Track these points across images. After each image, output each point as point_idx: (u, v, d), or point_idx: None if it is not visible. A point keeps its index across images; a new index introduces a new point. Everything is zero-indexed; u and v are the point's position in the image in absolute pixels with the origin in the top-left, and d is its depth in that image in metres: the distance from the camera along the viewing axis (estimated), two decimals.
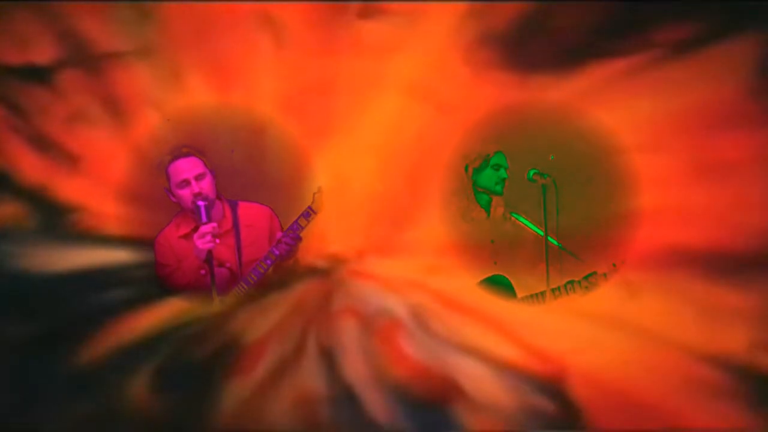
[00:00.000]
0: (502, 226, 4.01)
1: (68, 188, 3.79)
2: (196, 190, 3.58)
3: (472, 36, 3.85)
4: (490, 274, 3.87)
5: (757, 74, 3.68)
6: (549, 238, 3.77)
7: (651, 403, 3.44)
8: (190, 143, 3.73)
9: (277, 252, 3.60)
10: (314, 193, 3.65)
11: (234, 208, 3.75)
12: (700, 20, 3.69)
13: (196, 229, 3.61)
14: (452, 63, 3.88)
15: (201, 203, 3.52)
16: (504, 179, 3.96)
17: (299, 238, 3.61)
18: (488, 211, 4.01)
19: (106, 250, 3.74)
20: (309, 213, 3.60)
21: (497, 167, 3.95)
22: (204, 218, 3.52)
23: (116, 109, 3.86)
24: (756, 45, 3.67)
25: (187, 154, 3.64)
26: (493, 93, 3.90)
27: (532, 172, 3.83)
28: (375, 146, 3.86)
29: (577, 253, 3.85)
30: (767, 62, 3.67)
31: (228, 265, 3.63)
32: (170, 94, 3.89)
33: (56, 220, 3.75)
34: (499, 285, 3.86)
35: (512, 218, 4.01)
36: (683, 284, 3.60)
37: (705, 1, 3.70)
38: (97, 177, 3.84)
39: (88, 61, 3.79)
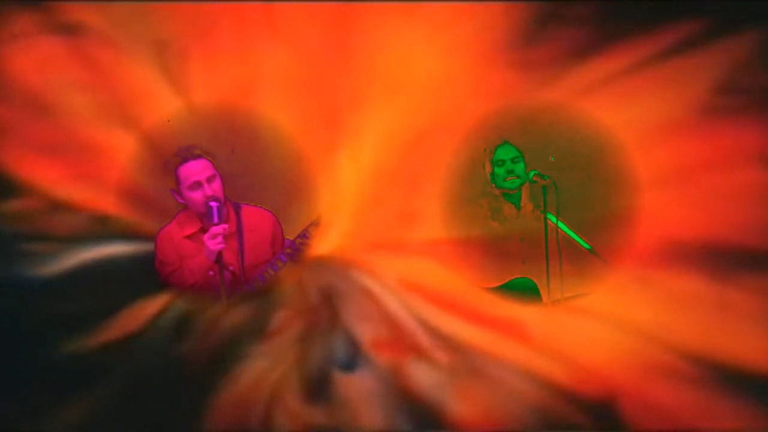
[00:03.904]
0: (532, 224, 3.90)
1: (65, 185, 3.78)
2: (209, 192, 3.55)
3: (472, 36, 3.85)
4: (515, 276, 3.82)
5: (756, 71, 3.71)
6: (581, 241, 3.77)
7: (651, 402, 3.48)
8: (193, 144, 3.70)
9: (284, 259, 3.60)
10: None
11: (237, 211, 3.71)
12: (699, 18, 3.73)
13: (202, 229, 3.59)
14: (452, 63, 3.88)
15: (213, 204, 3.50)
16: (510, 171, 3.89)
17: (308, 246, 3.61)
18: (518, 207, 3.95)
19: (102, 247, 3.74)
20: (318, 222, 3.60)
21: (501, 163, 3.92)
22: (216, 219, 3.50)
23: (117, 109, 3.85)
24: (756, 42, 3.71)
25: (197, 156, 3.61)
26: (493, 93, 3.91)
27: (532, 174, 3.84)
28: (376, 146, 3.86)
29: (578, 252, 3.86)
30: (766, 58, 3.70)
31: (231, 268, 3.61)
32: (171, 94, 3.88)
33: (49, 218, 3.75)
34: (524, 288, 3.79)
35: (543, 216, 3.85)
36: (684, 282, 3.64)
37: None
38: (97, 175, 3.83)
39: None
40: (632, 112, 3.86)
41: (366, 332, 3.61)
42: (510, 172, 3.90)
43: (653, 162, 3.83)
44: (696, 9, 3.73)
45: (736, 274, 3.63)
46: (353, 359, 3.54)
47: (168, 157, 3.64)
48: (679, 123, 3.80)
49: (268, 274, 3.60)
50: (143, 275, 3.67)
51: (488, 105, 3.91)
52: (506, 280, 3.80)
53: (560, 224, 3.84)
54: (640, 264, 3.74)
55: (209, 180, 3.57)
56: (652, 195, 3.83)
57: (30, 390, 3.48)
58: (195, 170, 3.58)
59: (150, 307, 3.54)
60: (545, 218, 3.76)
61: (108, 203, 3.80)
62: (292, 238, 3.65)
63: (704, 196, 3.74)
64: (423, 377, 3.55)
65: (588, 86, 3.86)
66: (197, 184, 3.57)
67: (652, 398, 3.49)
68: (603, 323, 3.62)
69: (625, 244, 3.80)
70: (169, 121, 3.89)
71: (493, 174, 3.94)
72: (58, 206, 3.73)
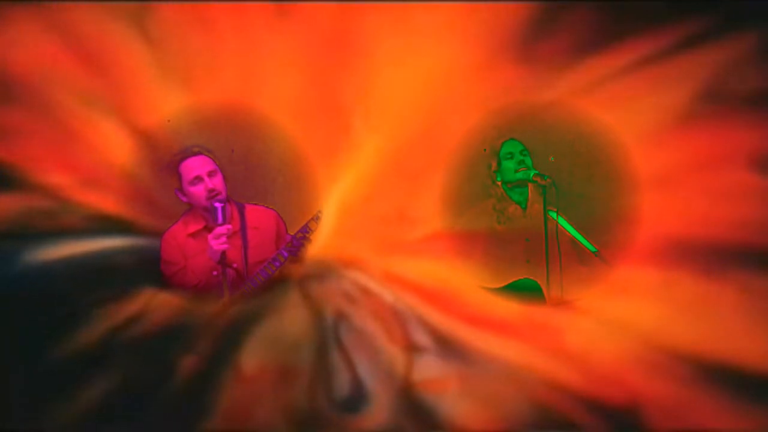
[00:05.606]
0: (539, 224, 3.77)
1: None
2: (210, 186, 3.59)
3: (473, 35, 3.86)
4: (518, 277, 3.77)
5: (755, 71, 3.73)
6: (587, 243, 3.75)
7: (653, 402, 3.47)
8: (192, 143, 3.74)
9: (285, 254, 3.61)
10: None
11: (241, 209, 3.74)
12: (699, 17, 3.75)
13: (207, 228, 3.62)
14: (453, 61, 3.88)
15: (218, 204, 3.53)
16: (520, 162, 3.84)
17: (309, 241, 3.61)
18: (525, 207, 3.90)
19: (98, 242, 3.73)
20: (318, 217, 3.61)
21: (510, 156, 3.87)
22: (220, 219, 3.52)
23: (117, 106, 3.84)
24: (755, 42, 3.73)
25: (197, 153, 3.66)
26: (494, 92, 3.91)
27: (531, 174, 3.83)
28: (378, 144, 3.86)
29: (578, 252, 3.85)
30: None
31: (235, 265, 3.62)
32: (172, 94, 3.88)
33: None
34: (526, 289, 3.75)
35: (544, 215, 3.76)
36: (685, 281, 3.64)
37: None
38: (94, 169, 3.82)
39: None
40: (632, 111, 3.87)
41: (365, 332, 3.60)
42: (521, 162, 3.86)
43: (653, 161, 3.83)
44: (696, 8, 3.75)
45: (735, 274, 3.63)
46: (357, 397, 3.53)
47: (168, 158, 3.69)
48: (680, 122, 3.81)
49: (269, 270, 3.61)
50: (139, 271, 3.67)
51: (489, 103, 3.91)
52: (510, 280, 3.78)
53: (566, 225, 3.82)
54: (640, 264, 3.73)
55: (210, 175, 3.62)
56: (653, 194, 3.82)
57: (26, 388, 3.47)
58: (195, 165, 3.63)
59: (144, 304, 3.55)
60: (545, 217, 3.74)
61: (106, 200, 3.80)
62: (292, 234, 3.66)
63: (705, 196, 3.74)
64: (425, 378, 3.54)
65: (588, 85, 3.87)
66: (198, 179, 3.62)
67: (654, 398, 3.48)
68: (602, 323, 3.61)
69: (626, 244, 3.79)
70: (168, 120, 3.89)
71: (500, 170, 3.90)
72: (53, 201, 3.72)
